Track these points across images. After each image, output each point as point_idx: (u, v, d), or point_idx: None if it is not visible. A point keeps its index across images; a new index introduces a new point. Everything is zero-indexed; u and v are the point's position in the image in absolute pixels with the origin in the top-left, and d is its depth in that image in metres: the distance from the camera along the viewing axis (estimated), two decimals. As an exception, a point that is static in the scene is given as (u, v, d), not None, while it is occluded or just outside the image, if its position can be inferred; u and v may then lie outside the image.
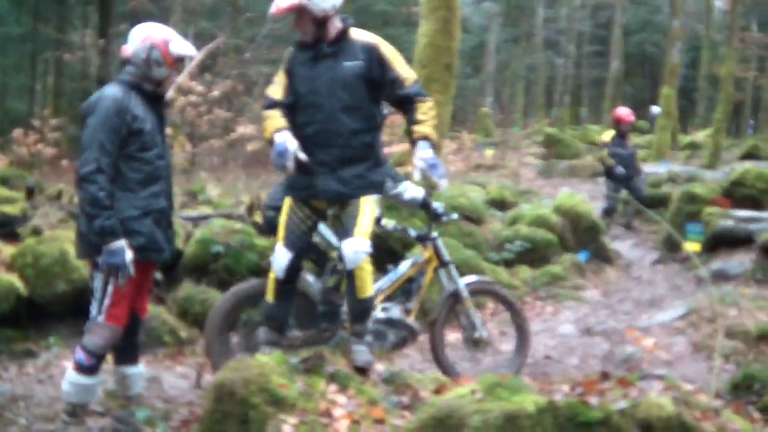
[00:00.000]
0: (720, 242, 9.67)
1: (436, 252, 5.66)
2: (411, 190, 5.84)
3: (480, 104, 32.71)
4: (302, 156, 4.37)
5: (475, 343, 5.69)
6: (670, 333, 6.73)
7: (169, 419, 4.52)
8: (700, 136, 28.86)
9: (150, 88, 4.05)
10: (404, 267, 5.60)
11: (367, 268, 4.58)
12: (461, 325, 5.80)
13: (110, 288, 3.87)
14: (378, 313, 5.25)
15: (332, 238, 5.21)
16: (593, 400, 3.06)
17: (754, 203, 10.89)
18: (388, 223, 5.76)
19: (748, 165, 15.57)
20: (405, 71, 4.58)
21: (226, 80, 14.80)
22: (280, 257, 4.60)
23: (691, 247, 9.65)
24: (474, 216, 9.03)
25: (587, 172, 18.97)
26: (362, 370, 4.37)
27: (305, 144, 4.43)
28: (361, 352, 4.49)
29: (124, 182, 3.90)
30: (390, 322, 5.34)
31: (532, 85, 46.21)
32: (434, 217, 5.85)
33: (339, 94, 4.46)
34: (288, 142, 4.36)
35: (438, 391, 4.05)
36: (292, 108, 4.59)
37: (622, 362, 5.80)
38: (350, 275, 4.57)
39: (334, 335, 5.19)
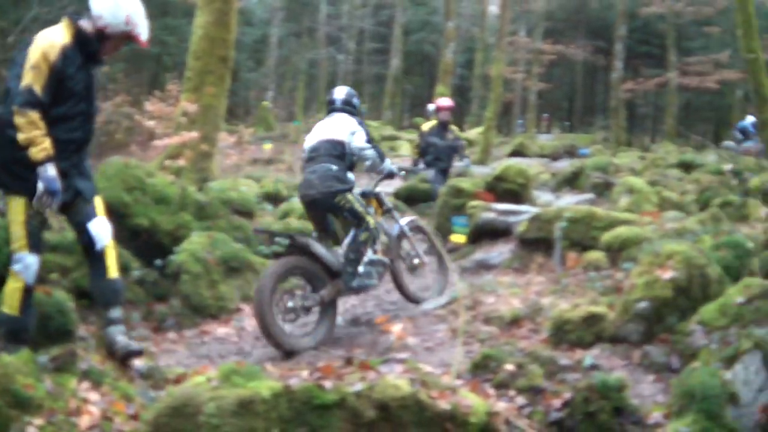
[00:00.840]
0: (483, 234, 10.19)
1: (379, 203, 7.51)
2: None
3: (261, 98, 32.55)
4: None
5: (415, 268, 7.64)
6: (433, 321, 7.02)
7: None
8: (473, 133, 30.18)
9: None
10: None
11: (114, 247, 4.64)
12: (404, 255, 7.52)
13: None
14: (367, 258, 6.89)
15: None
16: (329, 383, 3.17)
17: (514, 197, 11.57)
18: None
19: (513, 161, 16.54)
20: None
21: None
22: (32, 264, 4.43)
23: (457, 238, 10.13)
24: (244, 210, 9.00)
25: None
26: (129, 357, 4.44)
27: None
28: (127, 341, 4.52)
29: None
30: (373, 263, 6.97)
31: (313, 80, 46.51)
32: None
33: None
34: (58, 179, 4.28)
35: (177, 381, 4.05)
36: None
37: (386, 350, 5.98)
38: (101, 255, 4.52)
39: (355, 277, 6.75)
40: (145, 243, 7.52)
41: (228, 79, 11.69)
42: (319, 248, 6.60)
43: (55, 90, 4.25)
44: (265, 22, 38.06)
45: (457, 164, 13.63)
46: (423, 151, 13.07)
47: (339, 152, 6.99)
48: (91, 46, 4.41)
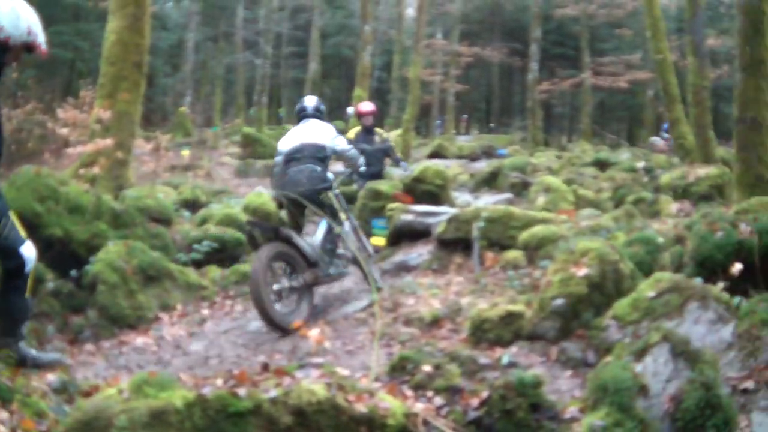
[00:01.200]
0: (402, 236, 10.20)
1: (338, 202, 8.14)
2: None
3: (179, 104, 32.12)
4: None
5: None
6: (353, 324, 7.02)
7: None
8: (392, 135, 30.28)
9: None
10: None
11: None
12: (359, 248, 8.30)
13: None
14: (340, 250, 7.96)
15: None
16: (243, 390, 3.13)
17: (433, 198, 11.63)
18: None
19: (431, 163, 16.65)
20: None
21: None
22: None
23: (376, 241, 10.14)
24: (162, 217, 8.82)
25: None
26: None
27: None
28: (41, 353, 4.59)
29: None
30: (342, 254, 8.05)
31: (231, 85, 46.08)
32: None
33: None
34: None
35: (87, 393, 3.96)
36: None
37: (305, 355, 5.95)
38: (25, 278, 4.45)
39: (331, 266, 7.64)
40: (59, 253, 7.33)
41: (143, 84, 11.49)
42: (299, 239, 7.29)
43: None
44: (181, 26, 37.57)
45: (398, 171, 13.50)
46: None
47: (322, 155, 7.84)
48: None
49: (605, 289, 5.40)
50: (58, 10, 29.31)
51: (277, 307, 6.87)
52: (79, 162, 10.93)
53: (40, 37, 4.42)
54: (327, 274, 7.53)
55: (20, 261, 4.45)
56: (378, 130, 12.78)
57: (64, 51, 26.55)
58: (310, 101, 8.52)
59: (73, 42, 26.83)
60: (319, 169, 7.68)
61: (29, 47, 4.42)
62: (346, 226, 8.07)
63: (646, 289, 5.05)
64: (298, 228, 7.82)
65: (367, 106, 12.90)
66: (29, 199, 7.29)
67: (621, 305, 5.10)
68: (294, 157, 7.79)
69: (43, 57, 4.59)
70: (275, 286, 6.95)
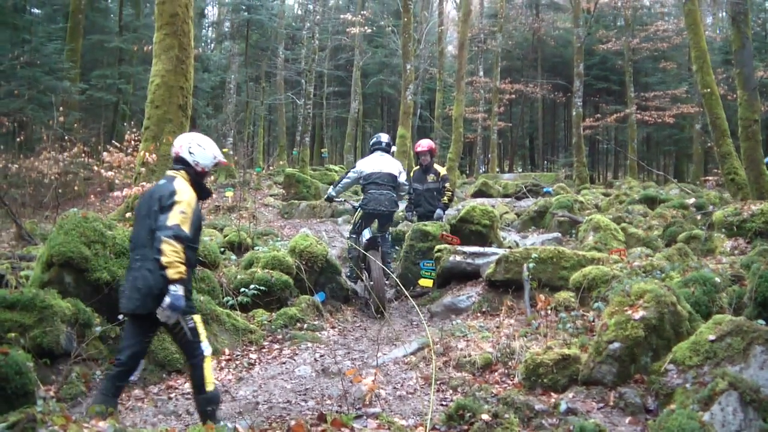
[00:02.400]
0: (450, 277, 10.12)
1: None
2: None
3: (221, 144, 32.44)
4: None
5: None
6: (403, 368, 6.91)
7: None
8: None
9: None
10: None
11: None
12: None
13: None
14: None
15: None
16: (304, 443, 3.05)
17: (480, 239, 11.52)
18: None
19: (477, 202, 16.52)
20: None
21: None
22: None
23: (425, 282, 10.04)
24: (208, 260, 8.80)
25: (327, 212, 19.24)
26: None
27: None
28: None
29: None
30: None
31: (273, 125, 46.49)
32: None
33: None
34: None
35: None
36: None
37: (357, 401, 5.85)
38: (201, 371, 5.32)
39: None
40: (106, 297, 7.32)
41: (187, 126, 11.59)
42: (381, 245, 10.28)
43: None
44: (223, 68, 37.97)
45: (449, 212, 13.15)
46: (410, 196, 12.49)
47: (395, 183, 10.46)
48: (202, 184, 5.70)
49: (663, 332, 5.25)
50: (103, 53, 29.91)
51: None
52: (124, 204, 11.01)
53: (220, 156, 5.85)
54: (389, 264, 10.60)
55: (200, 358, 5.28)
56: (437, 167, 12.47)
57: (108, 94, 27.02)
58: (385, 137, 11.02)
59: (117, 85, 27.28)
60: (394, 195, 10.43)
61: (215, 165, 5.83)
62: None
63: (706, 332, 4.89)
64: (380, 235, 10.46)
65: (421, 145, 12.55)
66: (77, 243, 7.31)
67: (680, 349, 4.94)
68: (375, 181, 10.31)
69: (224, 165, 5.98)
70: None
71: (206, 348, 5.32)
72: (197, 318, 5.38)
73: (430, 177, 12.17)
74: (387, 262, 10.34)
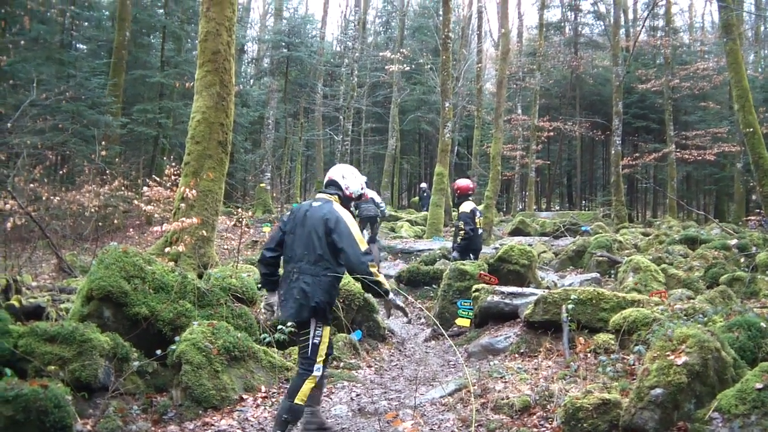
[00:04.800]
0: (488, 317, 10.02)
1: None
2: None
3: (259, 180, 32.69)
4: None
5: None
6: (440, 410, 6.82)
7: None
8: (477, 211, 30.08)
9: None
10: None
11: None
12: None
13: None
14: None
15: None
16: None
17: (518, 278, 11.43)
18: None
19: (514, 241, 16.42)
20: None
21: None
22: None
23: (462, 322, 9.96)
24: (246, 297, 8.81)
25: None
26: None
27: None
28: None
29: None
30: None
31: (311, 161, 46.76)
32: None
33: None
34: None
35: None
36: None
37: (394, 444, 5.79)
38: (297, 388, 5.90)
39: None
40: (144, 332, 7.36)
41: (226, 163, 11.66)
42: None
43: None
44: (262, 103, 38.35)
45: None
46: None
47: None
48: (348, 206, 6.32)
49: (707, 378, 5.12)
50: (145, 88, 30.37)
51: None
52: (163, 239, 11.06)
53: (365, 187, 6.66)
54: None
55: (308, 374, 5.82)
56: (463, 205, 12.69)
57: (148, 128, 27.39)
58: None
59: (158, 119, 27.64)
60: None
61: (360, 195, 6.54)
62: None
63: (753, 379, 4.77)
64: None
65: (460, 183, 13.12)
66: (117, 278, 7.38)
67: (725, 396, 4.82)
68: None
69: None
70: None
71: (318, 370, 5.85)
72: (326, 331, 5.93)
73: (454, 215, 12.70)
74: None
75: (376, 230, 17.34)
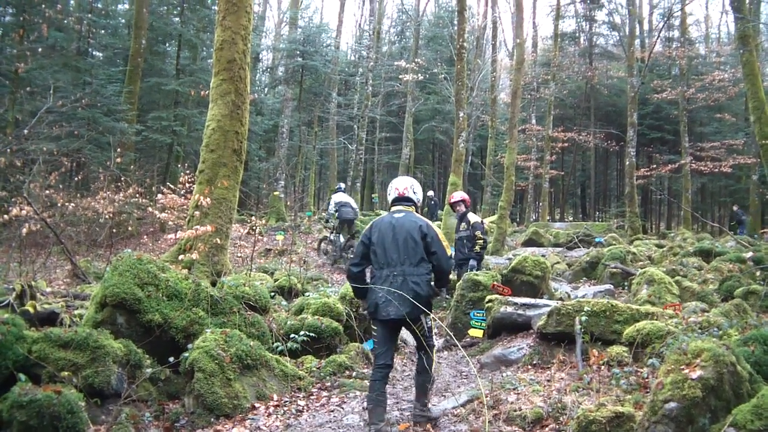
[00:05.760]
0: (501, 328, 9.99)
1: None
2: None
3: (273, 188, 32.78)
4: None
5: None
6: (453, 421, 6.79)
7: None
8: (487, 222, 30.18)
9: None
10: None
11: None
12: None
13: None
14: None
15: None
16: None
17: (531, 290, 11.39)
18: None
19: (528, 252, 16.37)
20: None
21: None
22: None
23: (475, 333, 9.91)
24: (259, 305, 8.81)
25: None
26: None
27: None
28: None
29: None
30: None
31: (325, 170, 46.80)
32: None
33: None
34: None
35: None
36: None
37: (404, 454, 5.75)
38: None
39: None
40: (157, 339, 7.38)
41: (241, 171, 11.69)
42: None
43: None
44: (276, 111, 38.44)
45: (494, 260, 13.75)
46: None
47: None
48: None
49: (722, 393, 5.08)
50: (160, 96, 30.50)
51: None
52: (177, 246, 11.08)
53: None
54: None
55: (432, 346, 6.75)
56: (471, 216, 12.91)
57: (163, 136, 27.49)
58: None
59: (172, 127, 27.74)
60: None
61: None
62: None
63: (770, 395, 4.72)
64: None
65: (454, 196, 13.61)
66: (131, 285, 7.41)
67: (741, 412, 4.77)
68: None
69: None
70: None
71: (435, 343, 6.97)
72: (432, 316, 6.79)
73: (462, 226, 12.93)
74: None
75: (354, 230, 19.85)
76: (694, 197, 40.64)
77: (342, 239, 19.59)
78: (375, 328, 6.97)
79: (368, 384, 6.60)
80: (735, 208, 33.56)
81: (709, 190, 46.23)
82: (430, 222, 6.78)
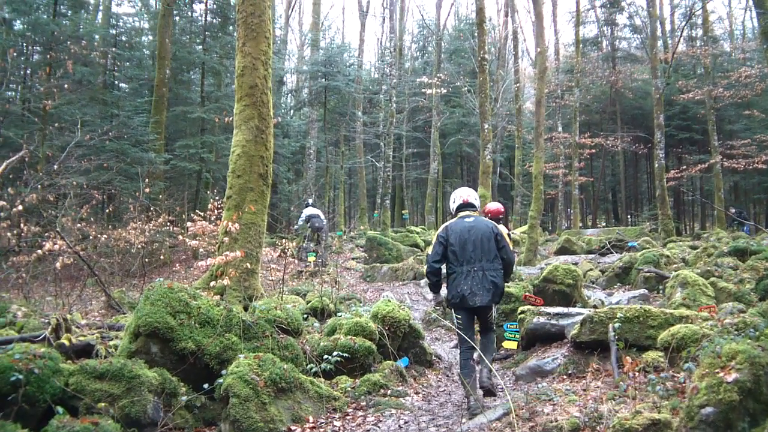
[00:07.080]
0: (534, 339, 9.94)
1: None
2: None
3: (302, 209, 32.86)
4: None
5: None
6: (490, 435, 6.75)
7: None
8: (518, 232, 30.03)
9: None
10: None
11: None
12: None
13: None
14: None
15: None
16: None
17: (564, 299, 11.30)
18: None
19: (560, 261, 16.26)
20: None
21: (32, 193, 14.13)
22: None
23: (509, 345, 9.86)
24: (291, 328, 8.83)
25: (409, 274, 19.21)
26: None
27: None
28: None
29: None
30: None
31: (353, 189, 46.90)
32: None
33: None
34: None
35: None
36: None
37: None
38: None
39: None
40: (191, 366, 7.42)
41: (268, 194, 11.75)
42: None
43: None
44: (303, 133, 38.64)
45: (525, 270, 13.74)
46: None
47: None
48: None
49: (760, 395, 5.00)
50: (186, 124, 30.76)
51: None
52: (209, 273, 11.16)
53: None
54: None
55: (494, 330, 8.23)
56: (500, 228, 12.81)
57: (191, 163, 27.69)
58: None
59: (200, 154, 27.93)
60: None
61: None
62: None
63: (809, 396, 4.65)
64: None
65: (489, 206, 12.99)
66: (163, 313, 7.46)
67: (780, 415, 4.70)
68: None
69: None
70: None
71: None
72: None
73: None
74: None
75: (324, 237, 22.42)
76: (727, 196, 40.16)
77: (312, 245, 21.53)
78: (458, 316, 7.86)
79: (459, 362, 7.78)
80: (732, 210, 33.27)
81: (743, 188, 45.63)
82: (495, 224, 8.06)
